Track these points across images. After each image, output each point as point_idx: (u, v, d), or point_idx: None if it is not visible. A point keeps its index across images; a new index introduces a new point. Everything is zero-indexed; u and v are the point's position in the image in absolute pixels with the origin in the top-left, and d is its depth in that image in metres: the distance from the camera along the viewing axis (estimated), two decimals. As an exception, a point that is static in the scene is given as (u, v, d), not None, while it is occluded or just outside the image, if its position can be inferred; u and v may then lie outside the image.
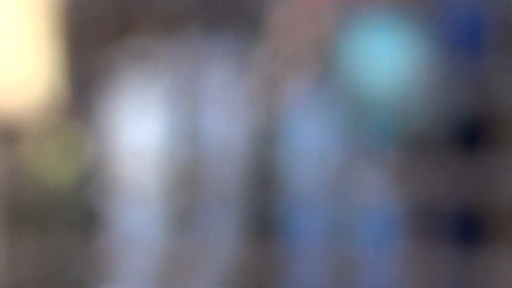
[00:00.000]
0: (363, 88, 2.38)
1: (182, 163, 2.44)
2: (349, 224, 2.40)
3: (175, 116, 2.49)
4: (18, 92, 2.39)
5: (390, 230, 2.44)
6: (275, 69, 2.48)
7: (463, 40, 2.33)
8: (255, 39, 2.45)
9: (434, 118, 2.29)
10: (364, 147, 2.38)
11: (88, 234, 2.50)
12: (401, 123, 2.36)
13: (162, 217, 2.44)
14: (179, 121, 2.47)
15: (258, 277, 2.40)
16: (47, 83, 2.42)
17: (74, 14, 2.57)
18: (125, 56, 2.50)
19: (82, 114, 2.60)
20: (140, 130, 2.51)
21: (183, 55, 2.45)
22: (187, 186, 2.45)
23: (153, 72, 2.54)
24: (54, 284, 2.56)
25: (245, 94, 2.44)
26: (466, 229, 2.37)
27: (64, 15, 2.52)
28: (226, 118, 2.45)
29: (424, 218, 2.31)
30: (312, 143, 2.42)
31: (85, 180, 2.47)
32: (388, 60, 2.38)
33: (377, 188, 2.36)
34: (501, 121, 2.27)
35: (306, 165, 2.37)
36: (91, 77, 2.60)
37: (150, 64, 2.52)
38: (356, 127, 2.36)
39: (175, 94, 2.48)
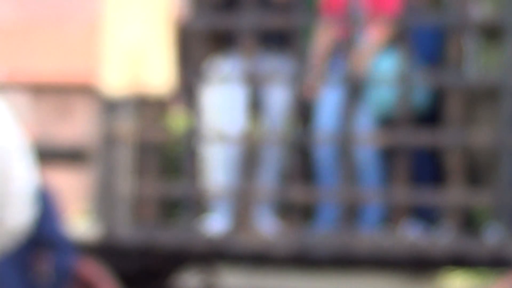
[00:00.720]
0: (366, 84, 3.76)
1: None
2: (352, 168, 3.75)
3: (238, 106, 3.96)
4: (152, 77, 3.82)
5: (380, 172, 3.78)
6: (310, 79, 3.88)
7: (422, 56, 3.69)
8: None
9: (404, 103, 3.63)
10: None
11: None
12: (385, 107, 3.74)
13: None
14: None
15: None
16: (169, 74, 3.84)
17: (186, 33, 4.01)
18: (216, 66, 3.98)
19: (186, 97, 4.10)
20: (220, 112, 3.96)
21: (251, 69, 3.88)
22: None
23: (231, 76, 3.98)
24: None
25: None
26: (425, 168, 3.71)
27: (179, 34, 3.95)
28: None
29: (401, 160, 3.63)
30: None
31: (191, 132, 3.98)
32: (382, 66, 3.74)
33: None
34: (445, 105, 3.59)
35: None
36: (193, 75, 4.04)
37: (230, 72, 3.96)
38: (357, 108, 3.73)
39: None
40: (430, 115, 3.73)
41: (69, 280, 3.27)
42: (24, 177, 1.33)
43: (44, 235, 3.13)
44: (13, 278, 3.13)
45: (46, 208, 3.08)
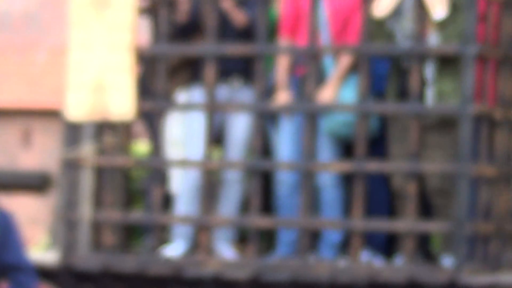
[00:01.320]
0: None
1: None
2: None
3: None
4: (115, 103, 3.89)
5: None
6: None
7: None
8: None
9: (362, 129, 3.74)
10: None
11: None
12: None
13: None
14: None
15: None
16: (131, 101, 3.91)
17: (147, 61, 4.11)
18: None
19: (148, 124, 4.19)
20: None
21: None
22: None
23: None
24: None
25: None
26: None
27: (141, 61, 4.04)
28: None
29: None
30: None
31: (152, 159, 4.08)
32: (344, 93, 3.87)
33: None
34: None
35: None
36: (155, 102, 4.11)
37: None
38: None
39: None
40: (381, 140, 3.87)
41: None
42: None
43: (6, 260, 3.17)
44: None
45: (7, 233, 3.16)
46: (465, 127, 3.58)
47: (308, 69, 3.83)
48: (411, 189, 3.63)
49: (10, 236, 3.23)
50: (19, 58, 8.13)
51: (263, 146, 4.00)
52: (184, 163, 4.08)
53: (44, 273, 3.80)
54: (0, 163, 7.67)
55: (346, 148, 3.95)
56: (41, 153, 7.51)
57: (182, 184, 4.14)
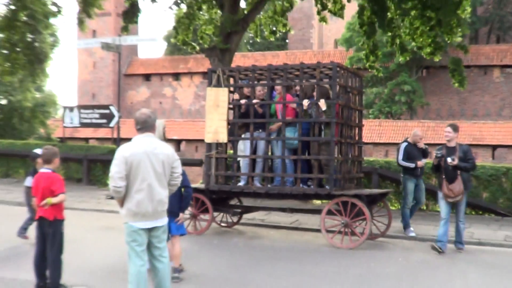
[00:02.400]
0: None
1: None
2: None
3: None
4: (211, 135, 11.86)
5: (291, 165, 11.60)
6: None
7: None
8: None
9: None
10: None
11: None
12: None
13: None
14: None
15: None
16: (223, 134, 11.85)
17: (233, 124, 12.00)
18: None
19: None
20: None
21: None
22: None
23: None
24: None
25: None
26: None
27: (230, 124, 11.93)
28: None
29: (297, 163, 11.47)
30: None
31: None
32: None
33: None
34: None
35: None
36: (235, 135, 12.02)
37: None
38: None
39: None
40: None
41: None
42: None
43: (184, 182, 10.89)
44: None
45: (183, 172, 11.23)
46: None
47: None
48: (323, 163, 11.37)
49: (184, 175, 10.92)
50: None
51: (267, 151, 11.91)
52: (245, 157, 12.00)
53: (199, 190, 11.86)
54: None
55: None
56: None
57: (243, 162, 12.06)
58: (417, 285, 8.46)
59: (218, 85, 11.86)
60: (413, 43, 18.74)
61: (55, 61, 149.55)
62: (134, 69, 63.89)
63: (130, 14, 19.42)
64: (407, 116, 47.86)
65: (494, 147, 40.74)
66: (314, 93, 11.37)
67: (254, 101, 11.60)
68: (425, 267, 9.57)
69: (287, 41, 73.59)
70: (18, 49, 27.28)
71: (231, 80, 12.42)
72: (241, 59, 67.71)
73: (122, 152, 6.34)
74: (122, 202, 6.41)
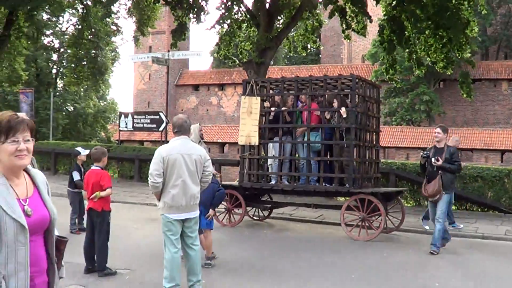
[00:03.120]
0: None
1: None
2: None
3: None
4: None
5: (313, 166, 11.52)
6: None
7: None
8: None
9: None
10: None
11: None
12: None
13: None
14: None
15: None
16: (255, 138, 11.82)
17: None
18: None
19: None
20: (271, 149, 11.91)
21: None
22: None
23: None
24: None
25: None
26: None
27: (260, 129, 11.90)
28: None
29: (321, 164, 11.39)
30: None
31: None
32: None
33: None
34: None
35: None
36: (264, 136, 11.99)
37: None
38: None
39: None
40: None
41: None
42: None
43: (213, 181, 10.98)
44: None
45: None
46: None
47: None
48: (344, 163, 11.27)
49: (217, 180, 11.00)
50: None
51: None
52: (275, 158, 11.96)
53: (233, 187, 11.85)
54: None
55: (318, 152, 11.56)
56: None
57: (273, 163, 12.02)
58: (422, 272, 8.30)
59: (252, 94, 11.84)
60: (428, 59, 18.45)
61: (116, 73, 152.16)
62: (185, 80, 64.43)
63: (179, 33, 19.52)
64: (426, 123, 47.21)
65: (503, 152, 40.11)
66: (334, 104, 11.27)
67: (283, 108, 11.55)
68: (431, 258, 9.38)
69: (320, 56, 73.35)
70: (83, 63, 27.81)
71: (263, 90, 12.38)
72: (279, 71, 67.68)
73: (160, 152, 6.42)
74: (159, 196, 6.48)
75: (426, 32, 17.34)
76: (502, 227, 12.58)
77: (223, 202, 12.35)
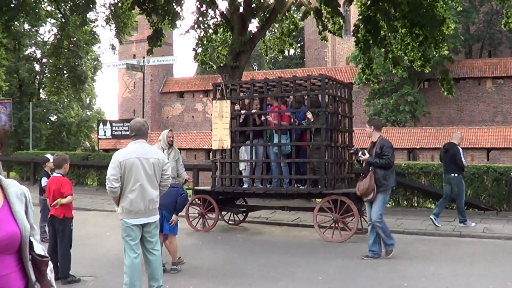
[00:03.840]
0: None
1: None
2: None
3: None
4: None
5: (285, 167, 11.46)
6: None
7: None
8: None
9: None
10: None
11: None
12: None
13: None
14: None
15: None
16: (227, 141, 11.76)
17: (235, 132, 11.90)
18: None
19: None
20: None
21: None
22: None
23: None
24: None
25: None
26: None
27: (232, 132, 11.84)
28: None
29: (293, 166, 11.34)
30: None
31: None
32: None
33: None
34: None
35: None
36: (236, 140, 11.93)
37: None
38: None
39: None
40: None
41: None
42: None
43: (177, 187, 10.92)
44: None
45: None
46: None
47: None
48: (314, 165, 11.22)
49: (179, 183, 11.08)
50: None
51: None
52: (245, 161, 11.89)
53: (206, 192, 11.78)
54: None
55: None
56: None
57: (246, 167, 11.95)
58: (393, 272, 8.26)
59: (222, 98, 11.79)
60: (406, 57, 18.53)
61: (101, 82, 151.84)
62: (169, 88, 64.38)
63: (154, 39, 19.46)
64: (411, 124, 47.34)
65: (489, 150, 40.23)
66: (306, 103, 11.26)
67: (253, 111, 11.51)
68: (404, 257, 9.34)
69: (304, 59, 73.50)
70: (63, 72, 27.71)
71: (234, 93, 12.33)
72: (263, 76, 67.74)
73: (117, 157, 6.37)
74: (117, 201, 6.42)
75: (402, 31, 17.41)
76: (481, 225, 12.55)
77: (195, 207, 12.36)
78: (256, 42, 17.97)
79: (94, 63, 35.79)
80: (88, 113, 73.16)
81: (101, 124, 21.14)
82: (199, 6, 18.03)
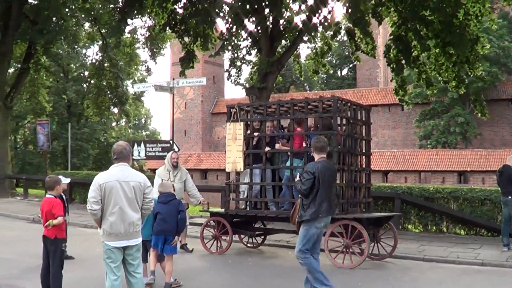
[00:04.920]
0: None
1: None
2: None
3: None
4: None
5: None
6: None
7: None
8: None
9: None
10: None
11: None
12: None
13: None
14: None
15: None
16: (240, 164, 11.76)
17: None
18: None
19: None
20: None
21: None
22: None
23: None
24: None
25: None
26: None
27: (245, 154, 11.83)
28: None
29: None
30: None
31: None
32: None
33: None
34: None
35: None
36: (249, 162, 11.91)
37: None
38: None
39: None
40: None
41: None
42: None
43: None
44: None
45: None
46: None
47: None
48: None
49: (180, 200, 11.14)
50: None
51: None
52: (254, 183, 11.83)
53: (220, 214, 11.79)
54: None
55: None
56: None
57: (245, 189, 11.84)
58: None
59: (236, 120, 11.83)
60: (440, 78, 18.19)
61: (155, 102, 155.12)
62: (220, 108, 65.02)
63: (187, 61, 19.79)
64: (462, 146, 46.28)
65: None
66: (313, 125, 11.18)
67: (255, 134, 11.60)
68: (418, 285, 9.09)
69: (356, 80, 73.08)
70: (104, 93, 28.45)
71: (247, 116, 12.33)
72: (313, 97, 67.58)
73: (97, 180, 6.48)
74: (100, 223, 6.52)
75: (436, 51, 17.12)
76: (508, 253, 12.08)
77: (209, 229, 12.38)
78: (284, 63, 18.02)
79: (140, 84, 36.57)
80: (144, 133, 74.58)
81: (135, 145, 21.49)
82: (229, 27, 18.23)
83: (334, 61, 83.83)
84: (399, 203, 15.33)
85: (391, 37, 17.47)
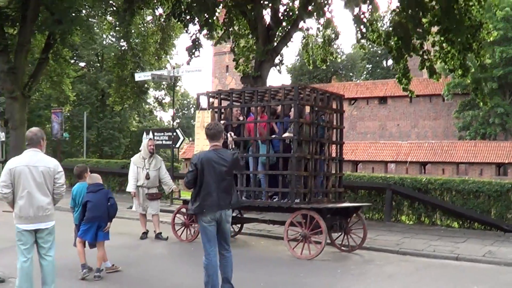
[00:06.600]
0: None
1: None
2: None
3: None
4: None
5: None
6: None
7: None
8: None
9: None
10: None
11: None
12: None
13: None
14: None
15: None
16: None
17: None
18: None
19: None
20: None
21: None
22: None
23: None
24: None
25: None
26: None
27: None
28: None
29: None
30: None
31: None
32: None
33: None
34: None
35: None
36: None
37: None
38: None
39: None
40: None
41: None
42: None
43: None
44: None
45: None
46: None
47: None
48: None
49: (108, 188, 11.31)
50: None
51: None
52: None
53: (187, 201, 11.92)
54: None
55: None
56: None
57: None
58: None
59: (204, 108, 11.92)
60: (446, 66, 17.81)
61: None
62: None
63: (193, 49, 19.96)
64: (501, 137, 45.01)
65: None
66: (291, 113, 11.12)
67: (233, 119, 11.60)
68: (362, 278, 8.98)
69: (401, 70, 71.96)
70: (126, 83, 28.96)
71: (215, 103, 12.40)
72: (354, 87, 67.07)
73: (8, 165, 6.80)
74: (12, 206, 6.80)
75: (435, 38, 16.77)
76: (486, 248, 11.81)
77: (179, 216, 12.52)
78: (279, 52, 17.94)
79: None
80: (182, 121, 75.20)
81: (144, 133, 21.87)
82: (228, 15, 18.29)
83: (379, 52, 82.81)
84: (390, 194, 15.15)
85: (390, 24, 17.17)
